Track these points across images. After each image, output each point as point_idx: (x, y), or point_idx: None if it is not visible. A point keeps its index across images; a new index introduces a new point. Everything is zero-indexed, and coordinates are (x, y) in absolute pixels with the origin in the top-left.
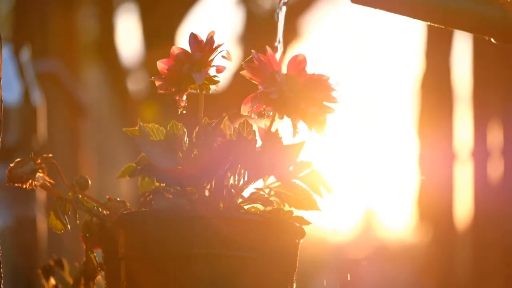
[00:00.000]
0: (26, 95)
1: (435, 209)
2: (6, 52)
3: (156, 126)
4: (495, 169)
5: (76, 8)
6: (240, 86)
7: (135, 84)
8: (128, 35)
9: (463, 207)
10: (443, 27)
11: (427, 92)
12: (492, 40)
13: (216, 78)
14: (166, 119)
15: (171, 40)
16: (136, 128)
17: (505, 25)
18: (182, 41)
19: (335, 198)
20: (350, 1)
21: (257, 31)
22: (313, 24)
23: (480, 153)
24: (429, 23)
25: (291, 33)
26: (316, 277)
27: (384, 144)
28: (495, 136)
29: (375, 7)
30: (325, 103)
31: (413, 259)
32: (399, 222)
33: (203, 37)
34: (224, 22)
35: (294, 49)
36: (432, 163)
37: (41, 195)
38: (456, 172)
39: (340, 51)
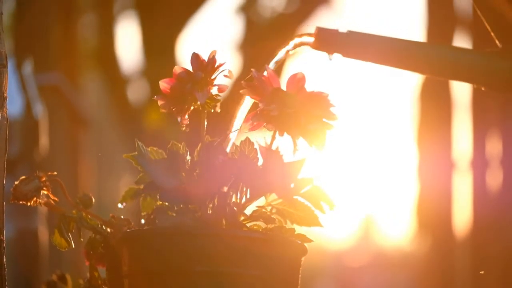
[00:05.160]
0: (28, 107)
1: (434, 218)
2: (8, 66)
3: (155, 149)
4: (494, 178)
5: (77, 20)
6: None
7: (136, 94)
8: (129, 44)
9: (462, 216)
10: (433, 77)
11: (426, 101)
12: (482, 88)
13: (217, 97)
14: (171, 125)
15: (171, 49)
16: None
17: (492, 74)
18: (182, 50)
19: (336, 208)
20: (341, 56)
21: (257, 40)
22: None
23: (479, 163)
24: (419, 74)
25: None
26: (314, 284)
27: (383, 152)
28: (494, 146)
29: (365, 60)
30: (324, 119)
31: (412, 267)
32: (398, 230)
33: (204, 54)
34: (223, 30)
35: (294, 59)
36: (431, 172)
37: (42, 207)
38: (455, 181)
39: (338, 59)
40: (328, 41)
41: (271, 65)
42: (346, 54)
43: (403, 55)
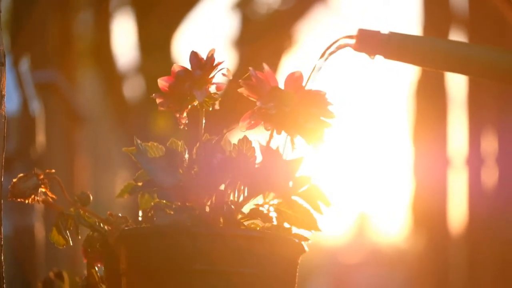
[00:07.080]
0: (24, 105)
1: (429, 215)
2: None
3: (155, 144)
4: (490, 175)
5: (73, 17)
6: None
7: (132, 91)
8: (125, 41)
9: (457, 213)
10: (470, 77)
11: (421, 97)
12: None
13: (216, 95)
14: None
15: (167, 46)
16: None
17: None
18: (178, 47)
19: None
20: (383, 57)
21: (252, 37)
22: (308, 31)
23: (475, 160)
24: (463, 75)
25: (286, 41)
26: (309, 282)
27: (378, 149)
28: (490, 143)
29: (406, 61)
30: (322, 118)
31: (407, 264)
32: (393, 227)
33: (202, 52)
34: (219, 27)
35: (290, 57)
36: (426, 169)
37: (39, 205)
38: (451, 178)
39: (335, 57)
40: (369, 42)
41: (315, 70)
42: (387, 55)
43: (446, 56)
